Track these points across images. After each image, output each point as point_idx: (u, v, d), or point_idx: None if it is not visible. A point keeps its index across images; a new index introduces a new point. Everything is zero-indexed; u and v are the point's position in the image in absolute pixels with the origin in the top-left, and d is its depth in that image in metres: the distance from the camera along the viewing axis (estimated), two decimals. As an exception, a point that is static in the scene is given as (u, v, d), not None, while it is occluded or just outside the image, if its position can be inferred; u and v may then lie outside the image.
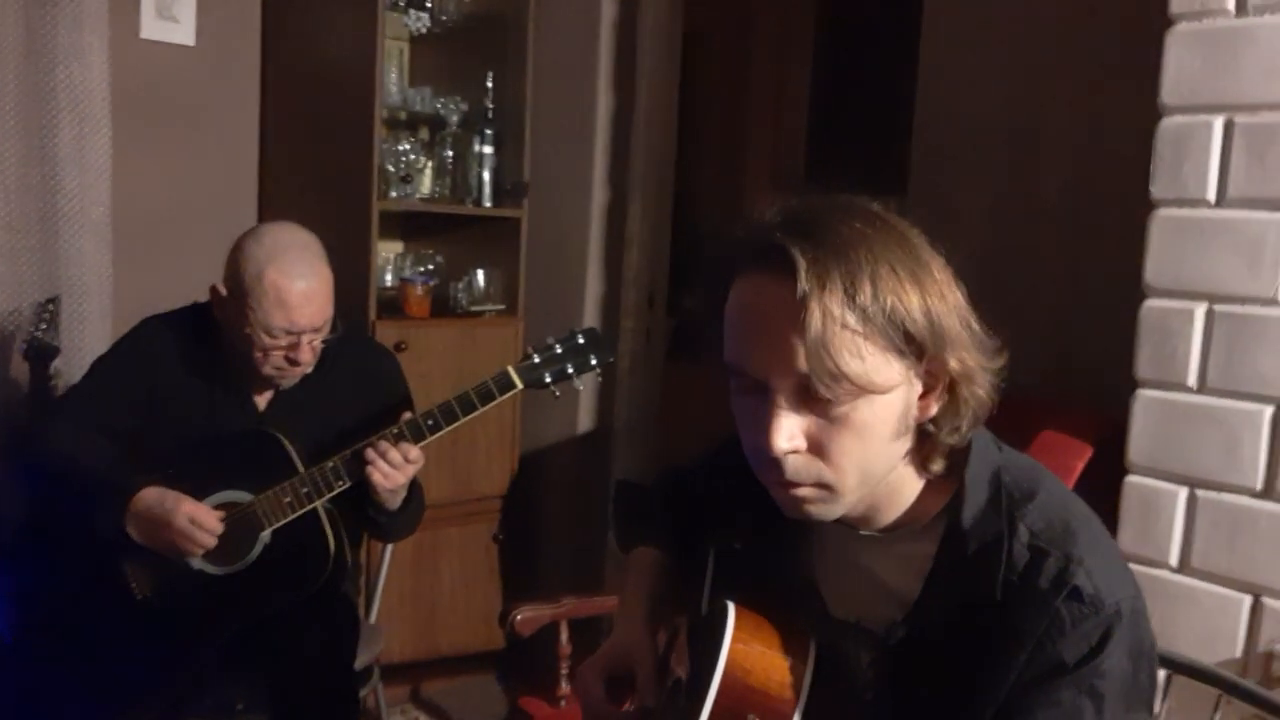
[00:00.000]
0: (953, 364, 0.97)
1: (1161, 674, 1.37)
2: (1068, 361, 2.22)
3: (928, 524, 1.03)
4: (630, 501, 1.50)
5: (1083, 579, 0.94)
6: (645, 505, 1.45)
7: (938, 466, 1.03)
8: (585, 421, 3.27)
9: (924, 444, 1.01)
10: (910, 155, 2.60)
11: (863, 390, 0.95)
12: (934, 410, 1.00)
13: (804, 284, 0.92)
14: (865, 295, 0.93)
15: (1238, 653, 1.67)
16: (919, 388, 0.99)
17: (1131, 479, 1.79)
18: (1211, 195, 1.69)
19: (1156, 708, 1.38)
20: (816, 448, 0.97)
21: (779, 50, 4.78)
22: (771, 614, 1.11)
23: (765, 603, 1.12)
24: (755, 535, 1.17)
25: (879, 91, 3.32)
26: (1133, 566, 1.72)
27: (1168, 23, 1.73)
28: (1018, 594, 0.96)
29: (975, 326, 1.00)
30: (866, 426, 0.96)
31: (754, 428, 0.98)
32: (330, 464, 1.98)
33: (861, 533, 1.05)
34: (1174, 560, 1.74)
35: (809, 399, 0.96)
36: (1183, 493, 1.73)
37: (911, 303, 0.94)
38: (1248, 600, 1.66)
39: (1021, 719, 0.95)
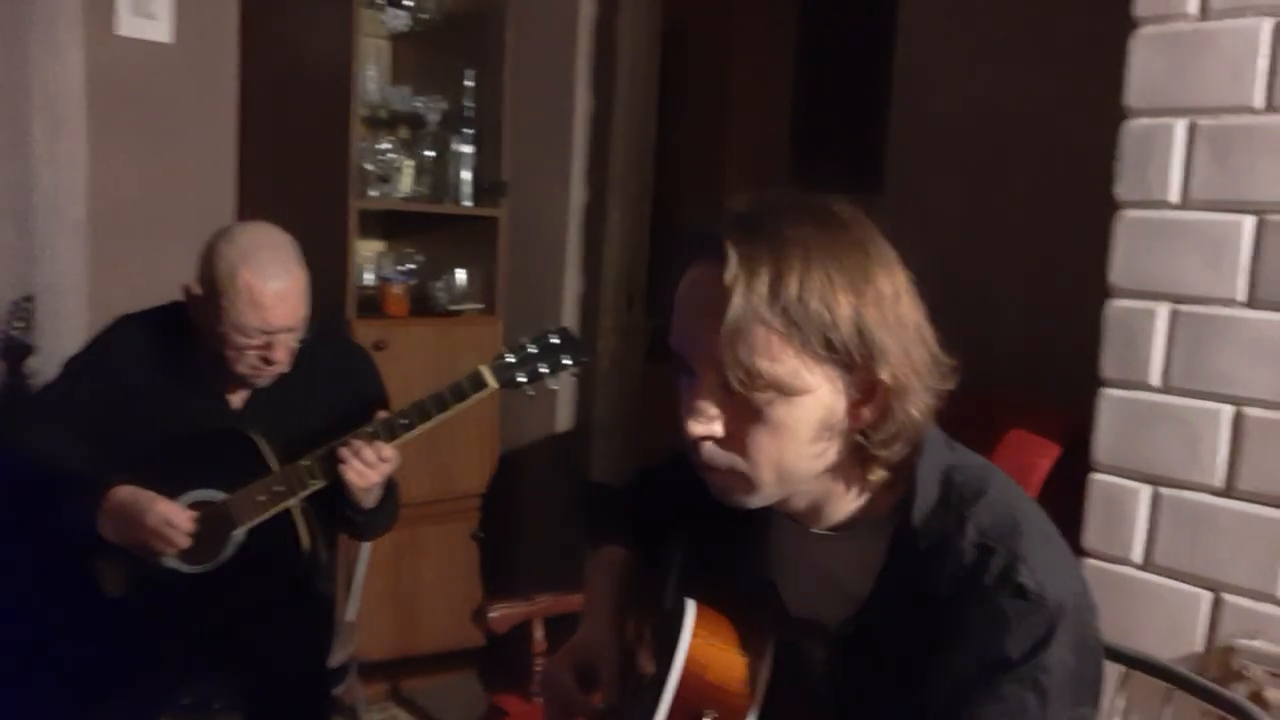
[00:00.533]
0: (884, 378, 0.98)
1: (1117, 669, 1.39)
2: (1039, 361, 2.25)
3: (880, 522, 1.04)
4: (599, 501, 1.52)
5: (1026, 576, 0.96)
6: (614, 505, 1.47)
7: (875, 476, 1.04)
8: (564, 420, 3.29)
9: (860, 452, 1.03)
10: (885, 154, 2.62)
11: (775, 390, 0.96)
12: (866, 421, 1.01)
13: (729, 275, 0.95)
14: (790, 295, 0.94)
15: (1199, 647, 1.69)
16: (847, 398, 1.00)
17: (1096, 477, 1.81)
18: (1175, 197, 1.71)
19: (1110, 702, 1.41)
20: (732, 438, 1.01)
21: (760, 48, 4.79)
22: (732, 612, 1.13)
23: (726, 601, 1.13)
24: (717, 534, 1.19)
25: (862, 89, 3.33)
26: (1097, 563, 1.78)
27: (1132, 25, 1.75)
28: (964, 590, 0.97)
29: (925, 345, 1.01)
30: (782, 426, 0.98)
31: (681, 409, 1.02)
32: (304, 463, 1.98)
33: (813, 530, 1.07)
34: (1138, 557, 1.76)
35: (730, 389, 0.98)
36: (1146, 491, 1.75)
37: (840, 311, 0.95)
38: (1208, 596, 1.68)
39: (966, 712, 0.96)
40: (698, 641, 1.09)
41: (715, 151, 4.78)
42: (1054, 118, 2.26)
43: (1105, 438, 1.80)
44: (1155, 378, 1.74)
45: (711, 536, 1.20)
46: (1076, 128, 2.20)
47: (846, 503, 1.06)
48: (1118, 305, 1.78)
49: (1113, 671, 1.43)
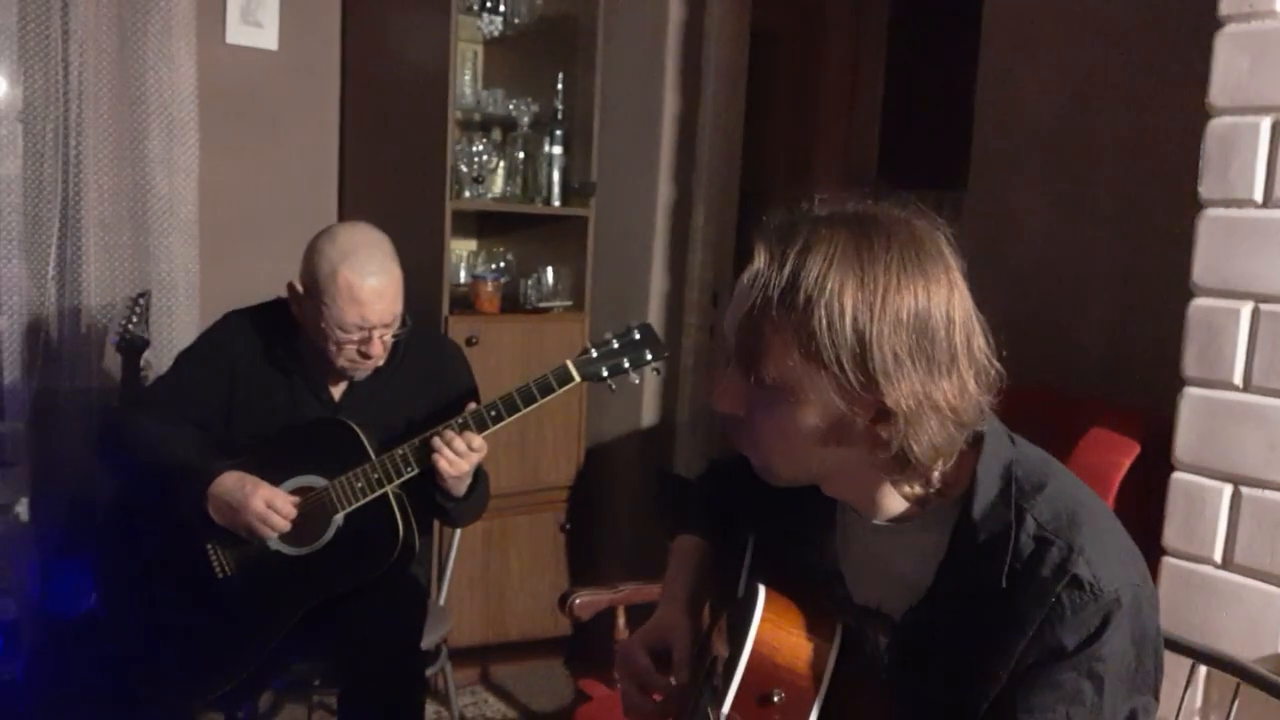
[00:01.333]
0: (889, 404, 0.98)
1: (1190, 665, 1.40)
2: (1123, 360, 2.24)
3: (941, 515, 1.08)
4: (676, 492, 1.58)
5: (1082, 567, 0.98)
6: (690, 496, 1.52)
7: (909, 489, 1.06)
8: (649, 416, 3.35)
9: (900, 457, 1.02)
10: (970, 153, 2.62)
11: (778, 389, 1.01)
12: (882, 441, 1.01)
13: (750, 273, 1.00)
14: (800, 301, 0.97)
15: (1279, 647, 1.68)
16: (853, 413, 1.00)
17: (1177, 476, 1.80)
18: (1259, 195, 1.70)
19: (1185, 697, 1.42)
20: (747, 423, 1.06)
21: (852, 47, 4.80)
22: (800, 598, 1.17)
23: (796, 587, 1.18)
24: (788, 524, 1.23)
25: (953, 88, 3.33)
26: (1177, 562, 1.78)
27: (1217, 24, 1.74)
28: (1022, 582, 1.00)
29: (958, 372, 0.99)
30: (785, 424, 1.03)
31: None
32: (400, 451, 2.08)
33: (874, 522, 1.11)
34: (1218, 556, 1.75)
35: (747, 379, 1.03)
36: (1227, 490, 1.74)
37: (845, 325, 0.96)
38: (1290, 597, 1.67)
39: (1024, 700, 1.00)
40: (767, 625, 1.13)
41: (804, 151, 4.79)
42: (1139, 116, 2.25)
43: (1186, 436, 1.79)
44: (1237, 377, 1.73)
45: (782, 526, 1.24)
46: (1161, 127, 2.19)
47: (898, 499, 1.09)
48: (1200, 304, 1.77)
49: (1185, 667, 1.44)
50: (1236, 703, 1.37)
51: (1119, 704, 1.01)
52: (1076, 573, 0.99)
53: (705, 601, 1.37)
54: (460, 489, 2.15)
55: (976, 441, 1.07)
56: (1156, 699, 1.06)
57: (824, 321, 0.96)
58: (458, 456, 2.06)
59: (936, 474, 1.06)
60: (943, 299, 0.99)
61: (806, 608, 1.16)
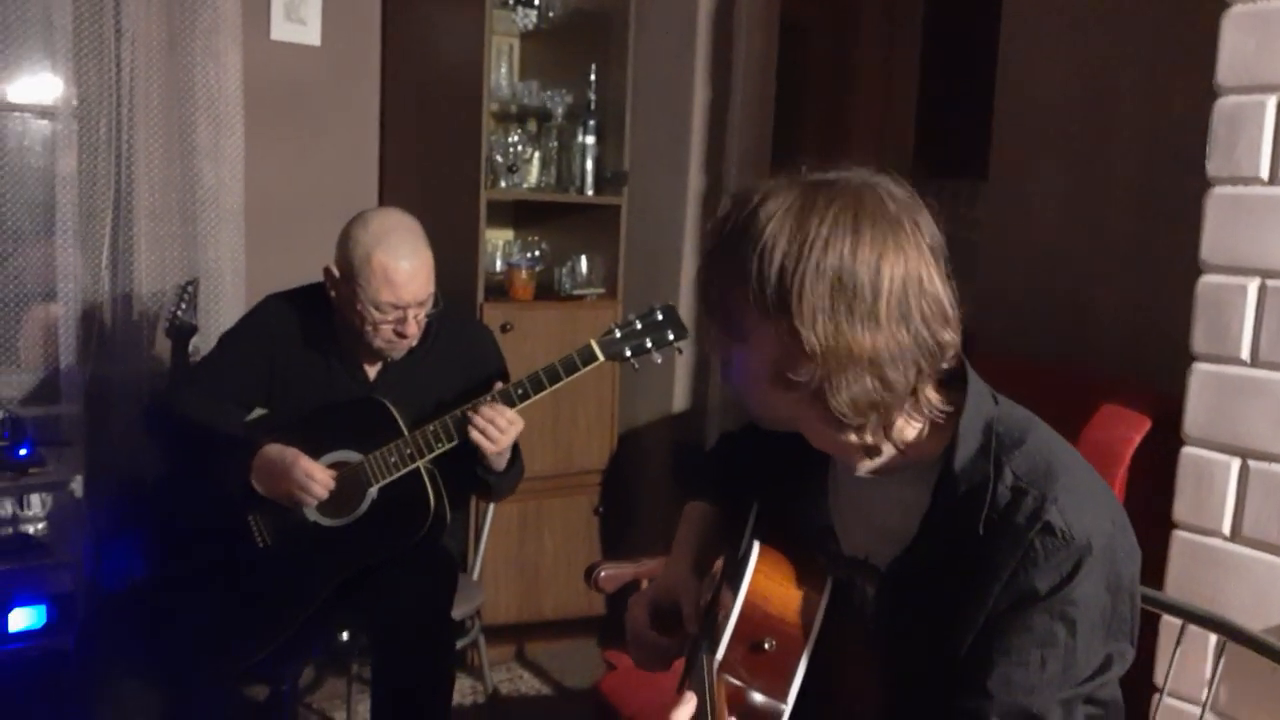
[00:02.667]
0: (805, 343, 1.03)
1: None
2: (1139, 338, 2.26)
3: (925, 468, 1.13)
4: (688, 462, 1.64)
5: (1055, 515, 1.03)
6: (701, 465, 1.59)
7: (857, 437, 1.11)
8: (680, 400, 3.41)
9: (830, 414, 1.08)
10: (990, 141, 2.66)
11: (732, 332, 1.09)
12: (804, 378, 1.06)
13: (714, 221, 1.10)
14: (742, 248, 1.05)
15: (1287, 619, 1.70)
16: (787, 353, 1.06)
17: (1187, 450, 1.83)
18: (1265, 173, 1.72)
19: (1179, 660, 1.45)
20: (727, 366, 1.13)
21: (886, 35, 4.82)
22: (794, 553, 1.23)
23: (791, 544, 1.24)
24: (787, 487, 1.30)
25: (989, 75, 3.35)
26: (1187, 535, 1.81)
27: (1223, 4, 1.76)
28: (998, 529, 1.06)
29: (874, 325, 1.04)
30: (745, 367, 1.11)
31: None
32: (431, 428, 2.16)
33: (858, 474, 1.16)
34: (1227, 529, 1.78)
35: None
36: (1235, 463, 1.76)
37: (772, 270, 1.03)
38: (1296, 568, 1.70)
39: (1000, 642, 1.05)
40: (759, 577, 1.20)
41: (838, 140, 4.82)
42: (1152, 99, 2.27)
43: (1195, 411, 1.82)
44: (1244, 352, 1.75)
45: (782, 489, 1.31)
46: (1174, 109, 2.21)
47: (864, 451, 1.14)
48: (1208, 281, 1.80)
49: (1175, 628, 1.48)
50: (1224, 660, 1.40)
51: (1094, 648, 1.06)
52: (1049, 520, 1.04)
53: (712, 562, 1.43)
54: (500, 464, 2.23)
55: (960, 400, 1.12)
56: (1132, 645, 1.11)
57: (756, 265, 1.04)
58: (497, 431, 2.13)
59: (864, 438, 1.11)
60: (872, 258, 1.03)
61: (799, 562, 1.22)
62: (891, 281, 1.03)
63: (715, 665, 1.14)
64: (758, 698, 1.14)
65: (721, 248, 1.09)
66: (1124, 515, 1.12)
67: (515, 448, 2.29)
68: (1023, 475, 1.07)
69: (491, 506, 2.82)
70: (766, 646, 1.16)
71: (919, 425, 1.13)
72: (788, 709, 1.13)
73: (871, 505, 1.18)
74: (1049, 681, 1.04)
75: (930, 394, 1.11)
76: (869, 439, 1.11)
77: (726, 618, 1.19)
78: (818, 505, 1.25)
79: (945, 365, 1.11)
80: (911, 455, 1.14)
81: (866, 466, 1.16)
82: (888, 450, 1.14)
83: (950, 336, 1.08)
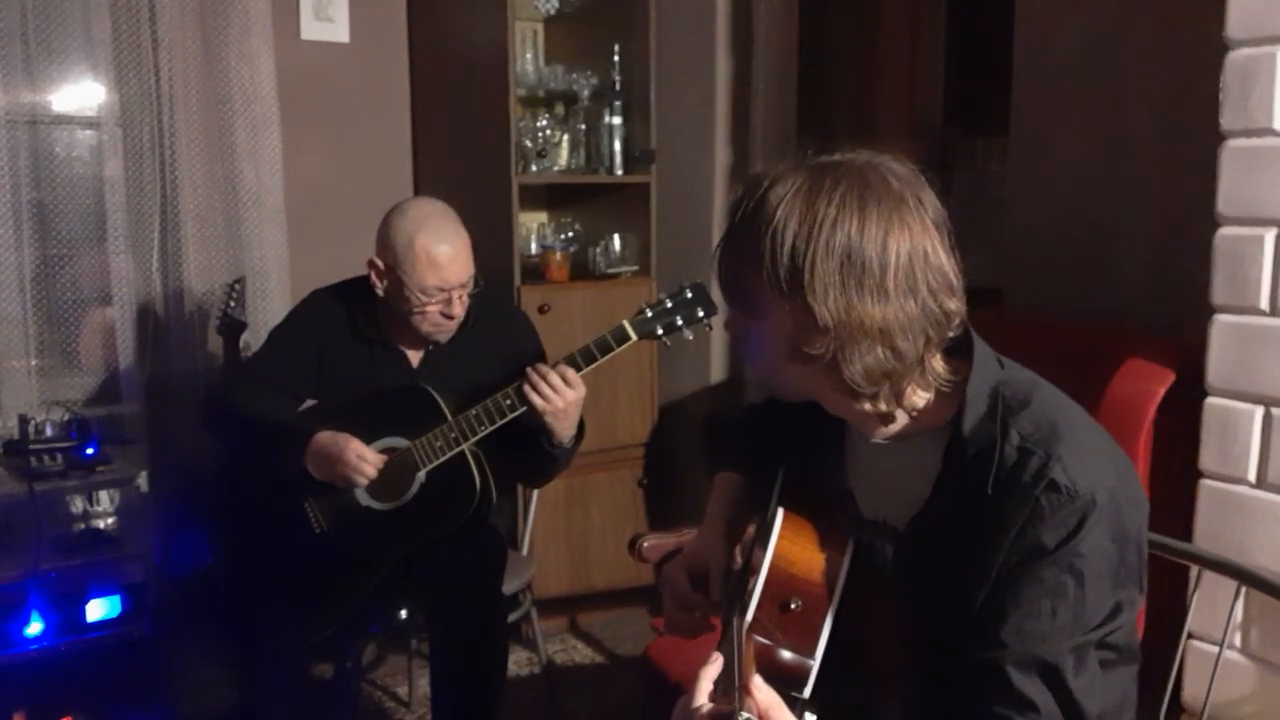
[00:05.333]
0: (818, 317, 1.09)
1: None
2: (1162, 290, 2.28)
3: (936, 433, 1.19)
4: (718, 433, 1.71)
5: (1059, 473, 1.09)
6: (730, 435, 1.65)
7: (871, 406, 1.16)
8: (718, 373, 3.47)
9: (844, 383, 1.14)
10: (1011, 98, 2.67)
11: (743, 310, 1.14)
12: (820, 351, 1.12)
13: (730, 205, 1.15)
14: (755, 230, 1.11)
15: (1313, 562, 1.74)
16: (801, 328, 1.12)
17: (1211, 400, 1.86)
18: (1278, 124, 1.74)
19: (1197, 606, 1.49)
20: (745, 342, 1.20)
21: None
22: (817, 517, 1.30)
23: (814, 509, 1.31)
24: (811, 455, 1.36)
25: (1010, 29, 3.34)
26: (1213, 484, 1.84)
27: (1231, -42, 1.78)
28: (1005, 488, 1.11)
29: (883, 298, 1.09)
30: (761, 343, 1.16)
31: None
32: (474, 412, 2.24)
33: (874, 441, 1.22)
34: (1252, 476, 1.81)
35: None
36: (1259, 412, 1.79)
37: (784, 250, 1.09)
38: (1321, 512, 1.73)
39: (1012, 596, 1.11)
40: (784, 542, 1.26)
41: (868, 104, 4.81)
42: (1169, 52, 2.28)
43: (1218, 362, 1.85)
44: (1264, 302, 1.78)
45: (807, 457, 1.37)
46: (1191, 61, 2.22)
47: (878, 419, 1.20)
48: (1226, 233, 1.82)
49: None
50: (1244, 604, 1.44)
51: (1103, 597, 1.12)
52: (1054, 477, 1.09)
53: (743, 529, 1.50)
54: (566, 433, 2.28)
55: (966, 368, 1.17)
56: (1142, 592, 1.16)
57: (769, 246, 1.10)
58: (552, 390, 2.19)
59: (912, 395, 1.17)
60: (879, 235, 1.09)
61: (822, 526, 1.29)
62: (898, 256, 1.09)
63: (745, 626, 1.21)
64: (787, 655, 1.20)
65: (735, 231, 1.16)
66: (1130, 468, 1.17)
67: (580, 421, 2.34)
68: (1028, 436, 1.12)
69: (536, 487, 2.91)
70: (793, 606, 1.22)
71: (928, 393, 1.18)
72: (815, 664, 1.19)
73: (887, 469, 1.24)
74: (1060, 630, 1.10)
75: (937, 363, 1.17)
76: (882, 406, 1.17)
77: (755, 581, 1.25)
78: (837, 471, 1.31)
79: (952, 333, 1.16)
80: (923, 421, 1.19)
81: (882, 433, 1.21)
82: (901, 417, 1.19)
83: (956, 305, 1.14)
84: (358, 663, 2.78)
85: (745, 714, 0.99)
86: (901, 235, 1.10)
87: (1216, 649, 1.58)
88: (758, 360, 1.20)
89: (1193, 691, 1.82)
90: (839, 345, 1.11)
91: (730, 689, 1.02)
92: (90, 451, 2.76)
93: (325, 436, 2.21)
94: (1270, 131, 1.75)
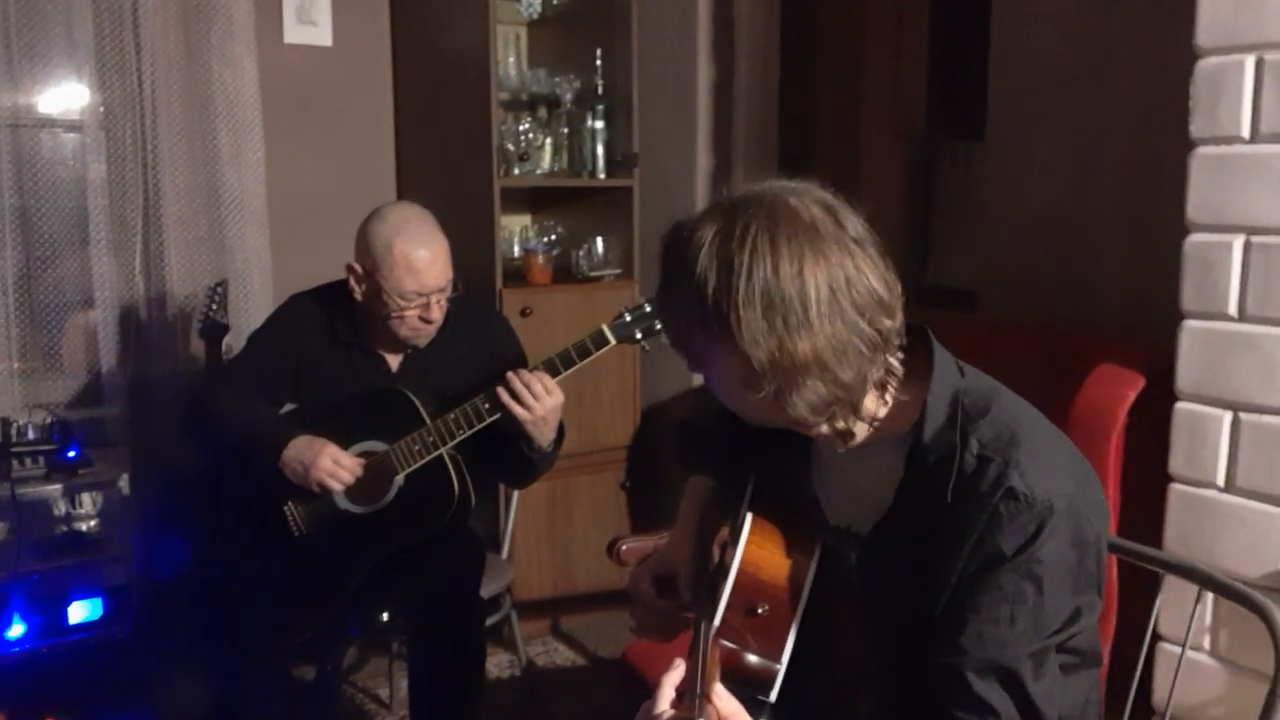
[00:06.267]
0: (754, 362, 1.10)
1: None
2: (1136, 296, 2.30)
3: (898, 441, 1.20)
4: (690, 437, 1.72)
5: (1017, 480, 1.10)
6: (703, 440, 1.66)
7: (829, 427, 1.19)
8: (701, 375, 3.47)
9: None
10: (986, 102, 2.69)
11: (698, 352, 1.17)
12: (765, 391, 1.13)
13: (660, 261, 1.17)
14: (684, 283, 1.12)
15: None
16: (744, 368, 1.13)
17: (1180, 405, 1.87)
18: (1246, 132, 1.76)
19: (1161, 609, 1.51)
20: (705, 379, 1.22)
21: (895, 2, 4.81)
22: (785, 523, 1.32)
23: (782, 514, 1.33)
24: (780, 461, 1.38)
25: (978, 40, 3.36)
26: (1184, 488, 1.86)
27: (1200, -33, 1.80)
28: (964, 496, 1.13)
29: (809, 331, 1.09)
30: (716, 381, 1.19)
31: None
32: (452, 415, 2.25)
33: (839, 450, 1.24)
34: (1221, 480, 1.83)
35: None
36: (1227, 416, 1.81)
37: (709, 300, 1.10)
38: (1288, 515, 1.75)
39: (972, 602, 1.12)
40: (752, 547, 1.28)
41: (850, 107, 4.83)
42: (1144, 58, 2.30)
43: (1187, 367, 1.86)
44: (1232, 308, 1.79)
45: (776, 463, 1.39)
46: (1166, 68, 2.24)
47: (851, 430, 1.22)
48: (1195, 239, 1.84)
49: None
50: (1211, 606, 1.46)
51: (1062, 602, 1.14)
52: (1011, 485, 1.10)
53: (714, 533, 1.51)
54: (545, 438, 2.29)
55: (927, 375, 1.19)
56: (1101, 596, 1.18)
57: (696, 301, 1.11)
58: (533, 398, 2.20)
59: (872, 406, 1.19)
60: (794, 270, 1.09)
61: (790, 532, 1.30)
62: (817, 288, 1.09)
63: (712, 631, 1.22)
64: (753, 659, 1.22)
65: (665, 289, 1.18)
66: (1091, 474, 1.19)
67: (560, 425, 2.35)
68: (987, 443, 1.14)
69: (518, 488, 2.92)
70: (760, 611, 1.24)
71: (888, 401, 1.20)
72: (781, 668, 1.21)
73: (852, 476, 1.26)
74: (1019, 636, 1.12)
75: (890, 376, 1.19)
76: (840, 425, 1.20)
77: (722, 585, 1.27)
78: (804, 478, 1.33)
79: (896, 348, 1.17)
80: (885, 429, 1.21)
81: (844, 446, 1.23)
82: (862, 429, 1.21)
83: (890, 323, 1.14)
84: (338, 665, 2.79)
85: None
86: (818, 266, 1.09)
87: (1183, 651, 1.60)
88: (720, 397, 1.22)
89: (1161, 694, 1.83)
90: (779, 385, 1.12)
91: (693, 695, 1.03)
92: (72, 454, 2.77)
93: (302, 441, 2.22)
94: (1239, 139, 1.77)
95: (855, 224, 1.14)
